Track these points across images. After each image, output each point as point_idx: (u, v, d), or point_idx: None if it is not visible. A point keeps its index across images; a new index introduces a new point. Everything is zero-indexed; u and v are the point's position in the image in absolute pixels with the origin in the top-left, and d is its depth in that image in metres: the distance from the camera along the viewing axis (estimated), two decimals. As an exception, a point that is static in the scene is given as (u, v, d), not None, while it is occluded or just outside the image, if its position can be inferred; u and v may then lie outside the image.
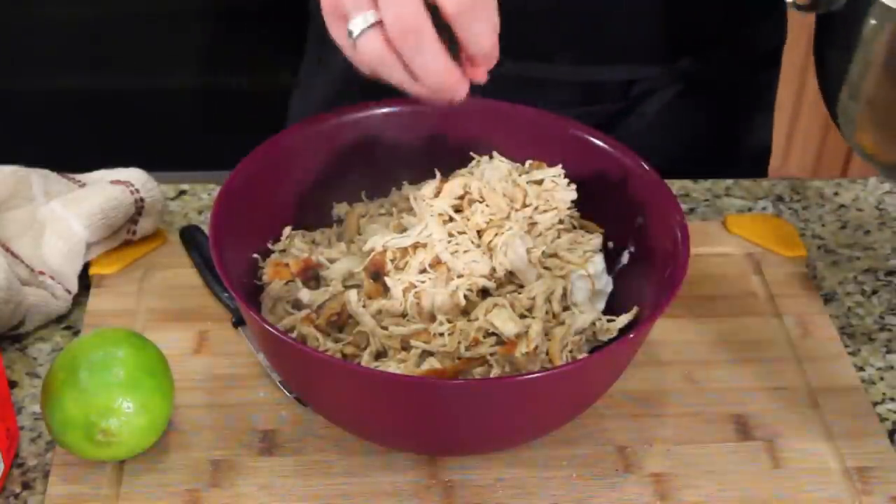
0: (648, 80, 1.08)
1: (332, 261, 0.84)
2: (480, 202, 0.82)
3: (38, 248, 0.91)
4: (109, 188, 0.93)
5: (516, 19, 1.03)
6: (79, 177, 0.98)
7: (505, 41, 1.05)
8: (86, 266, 0.93)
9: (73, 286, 0.91)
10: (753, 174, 1.16)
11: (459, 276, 0.80)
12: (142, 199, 0.94)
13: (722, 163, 1.16)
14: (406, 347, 0.78)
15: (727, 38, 1.09)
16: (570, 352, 0.79)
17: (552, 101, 1.06)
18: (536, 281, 0.81)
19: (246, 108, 2.02)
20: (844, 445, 0.82)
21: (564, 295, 0.82)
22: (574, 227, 0.87)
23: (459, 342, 0.78)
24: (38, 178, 0.96)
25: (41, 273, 0.90)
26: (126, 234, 0.94)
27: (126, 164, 0.98)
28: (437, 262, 0.80)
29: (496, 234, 0.81)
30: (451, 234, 0.81)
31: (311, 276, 0.84)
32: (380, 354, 0.79)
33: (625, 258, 0.86)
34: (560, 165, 0.85)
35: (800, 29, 1.18)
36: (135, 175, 0.95)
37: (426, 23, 0.69)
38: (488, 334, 0.78)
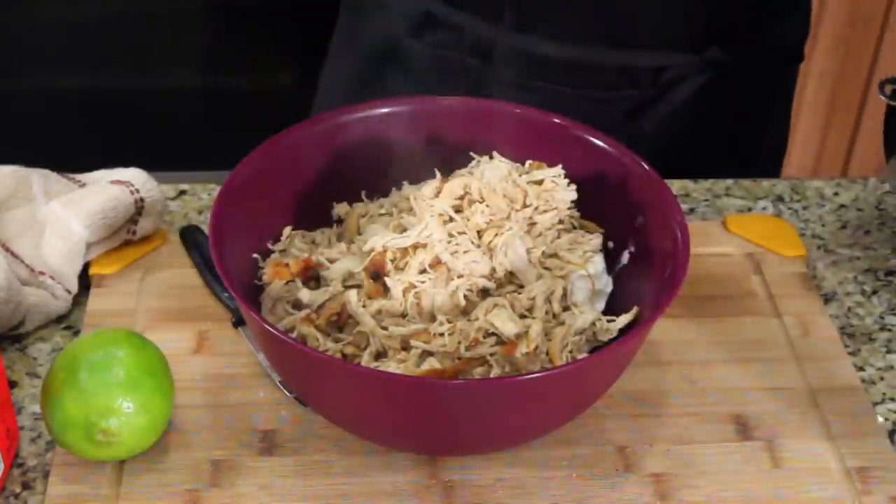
0: (678, 67, 1.09)
1: (332, 261, 0.84)
2: (480, 202, 0.82)
3: (38, 248, 0.91)
4: (109, 188, 0.93)
5: (556, 2, 1.04)
6: (79, 177, 0.98)
7: (544, 22, 1.05)
8: (86, 266, 0.93)
9: (73, 286, 0.91)
10: (770, 169, 1.17)
11: (459, 277, 0.80)
12: (142, 199, 0.94)
13: (744, 155, 1.16)
14: (406, 347, 0.78)
15: (755, 29, 1.10)
16: (570, 352, 0.79)
17: (585, 83, 1.07)
18: (536, 281, 0.81)
19: (246, 108, 2.02)
20: (844, 445, 0.82)
21: (564, 295, 0.82)
22: (574, 227, 0.87)
23: (459, 342, 0.78)
24: (38, 178, 0.96)
25: (41, 273, 0.90)
26: (126, 234, 0.94)
27: (126, 164, 0.97)
28: (437, 263, 0.80)
29: (496, 235, 0.81)
30: (451, 235, 0.81)
31: (311, 276, 0.84)
32: (380, 354, 0.79)
33: (625, 258, 0.86)
34: (560, 165, 0.85)
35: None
36: (135, 175, 0.95)
37: None
38: (488, 334, 0.78)
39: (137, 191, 0.94)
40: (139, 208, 0.94)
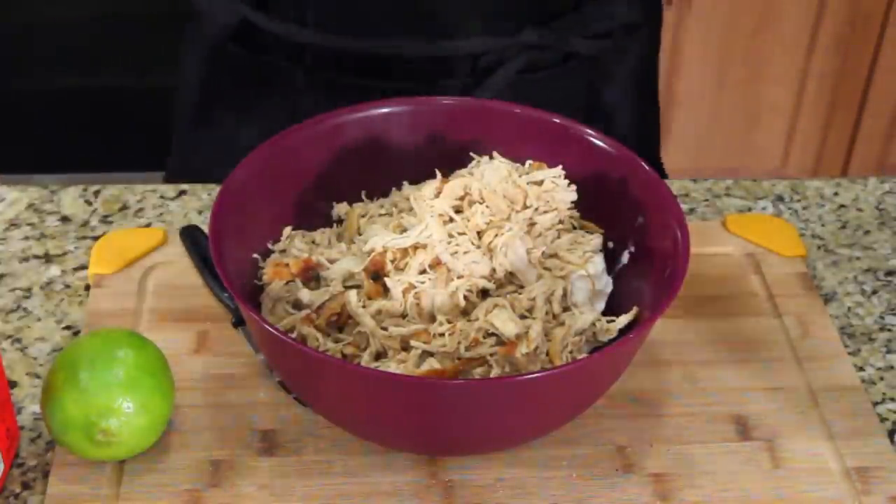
0: (494, 52, 1.07)
1: (332, 261, 0.84)
2: (480, 203, 0.82)
3: None
4: None
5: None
6: None
7: (347, 20, 1.05)
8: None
9: None
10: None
11: (459, 277, 0.80)
12: None
13: None
14: (406, 348, 0.78)
15: (571, 10, 1.08)
16: (570, 352, 0.79)
17: (400, 77, 1.06)
18: (536, 282, 0.81)
19: (246, 108, 2.02)
20: (844, 445, 0.82)
21: (564, 295, 0.82)
22: (574, 228, 0.87)
23: (459, 342, 0.78)
24: None
25: None
26: None
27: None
28: (437, 263, 0.80)
29: (496, 235, 0.81)
30: (451, 235, 0.81)
31: (311, 276, 0.84)
32: (380, 355, 0.79)
33: (625, 258, 0.86)
34: (560, 166, 0.85)
35: (798, 33, 1.18)
36: None
37: None
38: (488, 335, 0.78)
39: None
40: None
